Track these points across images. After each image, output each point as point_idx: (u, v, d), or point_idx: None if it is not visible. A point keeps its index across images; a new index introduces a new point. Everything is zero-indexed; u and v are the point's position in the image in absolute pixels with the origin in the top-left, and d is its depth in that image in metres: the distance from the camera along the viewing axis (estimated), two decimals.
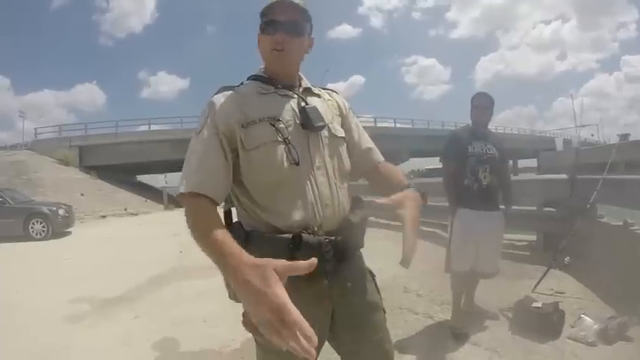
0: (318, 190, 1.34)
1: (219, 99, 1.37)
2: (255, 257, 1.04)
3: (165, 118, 44.76)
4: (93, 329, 4.11)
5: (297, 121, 1.36)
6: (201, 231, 1.17)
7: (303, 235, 1.26)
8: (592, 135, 51.92)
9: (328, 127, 1.43)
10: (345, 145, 1.51)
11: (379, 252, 6.04)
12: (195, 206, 1.24)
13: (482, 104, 3.62)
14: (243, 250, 1.06)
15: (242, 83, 1.46)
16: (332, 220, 1.34)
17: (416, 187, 1.38)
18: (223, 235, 1.12)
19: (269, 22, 1.39)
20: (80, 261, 8.03)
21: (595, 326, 3.21)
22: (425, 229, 7.80)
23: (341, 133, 1.49)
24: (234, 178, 1.34)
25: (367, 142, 1.63)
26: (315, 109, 1.39)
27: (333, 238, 1.31)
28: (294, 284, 1.04)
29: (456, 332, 3.42)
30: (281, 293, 0.91)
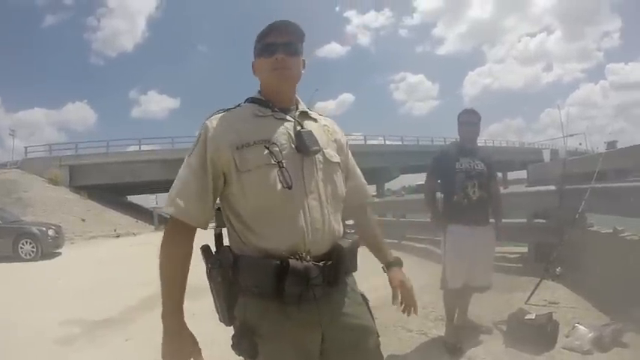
0: (310, 215, 1.34)
1: (213, 122, 1.39)
2: (245, 281, 1.30)
3: (156, 139, 45.32)
4: (83, 352, 4.05)
5: (292, 145, 1.37)
6: (162, 276, 1.34)
7: (290, 260, 1.26)
8: (580, 144, 52.49)
9: (323, 152, 1.43)
10: (340, 171, 1.52)
11: (374, 270, 6.10)
12: (168, 243, 1.35)
13: (470, 121, 3.67)
14: (184, 323, 1.34)
15: (239, 105, 1.48)
16: (322, 245, 1.35)
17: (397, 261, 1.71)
18: (174, 292, 1.34)
19: (267, 45, 1.42)
20: (70, 282, 7.93)
21: (589, 335, 3.22)
22: (416, 245, 7.85)
23: (336, 158, 1.50)
24: (226, 201, 1.38)
25: (359, 177, 1.70)
26: (310, 133, 1.40)
27: (322, 263, 1.32)
28: (283, 310, 1.28)
29: (450, 348, 3.43)
30: None
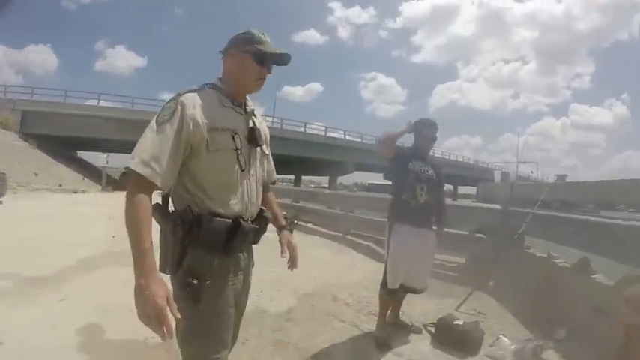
0: (250, 191, 1.77)
1: (188, 100, 1.60)
2: (203, 234, 1.60)
3: (117, 96, 43.13)
4: (16, 308, 3.90)
5: (245, 137, 1.74)
6: (136, 224, 1.44)
7: (241, 222, 1.68)
8: (531, 172, 54.59)
9: (261, 146, 1.85)
10: (266, 160, 1.97)
11: (317, 260, 6.22)
12: (139, 198, 1.47)
13: (429, 136, 3.78)
14: (156, 264, 1.45)
15: (204, 88, 1.73)
16: (254, 213, 1.81)
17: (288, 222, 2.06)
18: (149, 240, 1.42)
19: (262, 54, 1.72)
20: (8, 235, 7.50)
21: (512, 346, 3.39)
22: (360, 241, 7.99)
23: (267, 151, 1.95)
24: (188, 171, 1.64)
25: (271, 163, 2.08)
26: (258, 129, 1.80)
27: (256, 226, 1.77)
28: (223, 260, 1.69)
29: (379, 342, 3.51)
30: (163, 303, 1.32)
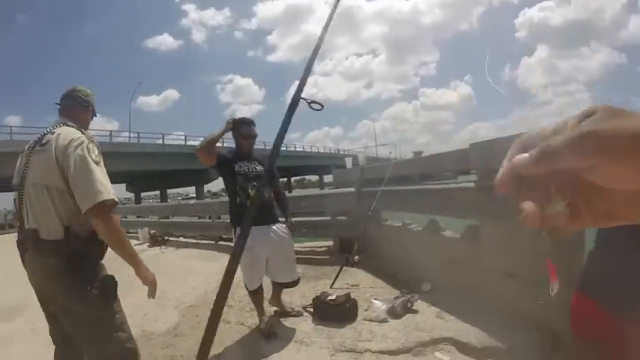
0: None
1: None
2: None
3: None
4: None
5: None
6: (123, 237, 2.06)
7: None
8: (390, 152, 58.11)
9: None
10: None
11: (193, 272, 6.19)
12: (117, 219, 1.99)
13: (247, 134, 3.82)
14: None
15: (88, 134, 2.15)
16: None
17: None
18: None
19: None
20: None
21: (383, 306, 3.74)
22: (232, 245, 8.06)
23: None
24: None
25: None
26: None
27: None
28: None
29: (265, 333, 3.61)
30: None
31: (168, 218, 11.20)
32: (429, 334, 3.30)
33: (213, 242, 8.75)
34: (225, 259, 7.42)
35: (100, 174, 1.95)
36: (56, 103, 2.30)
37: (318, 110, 2.60)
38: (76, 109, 2.29)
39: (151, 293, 2.20)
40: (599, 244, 1.76)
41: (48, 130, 2.13)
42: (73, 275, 1.93)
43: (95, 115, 2.45)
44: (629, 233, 1.72)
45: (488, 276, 3.45)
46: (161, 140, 37.06)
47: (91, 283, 1.98)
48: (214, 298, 4.76)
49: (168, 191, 49.38)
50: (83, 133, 2.09)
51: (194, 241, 9.27)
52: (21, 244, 2.12)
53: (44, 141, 2.06)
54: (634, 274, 1.66)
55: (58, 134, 2.05)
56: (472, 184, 3.89)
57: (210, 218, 9.66)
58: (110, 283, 2.05)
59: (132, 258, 2.07)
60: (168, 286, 5.11)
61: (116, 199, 1.97)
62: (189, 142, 38.70)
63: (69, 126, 2.14)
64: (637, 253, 1.56)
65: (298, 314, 3.98)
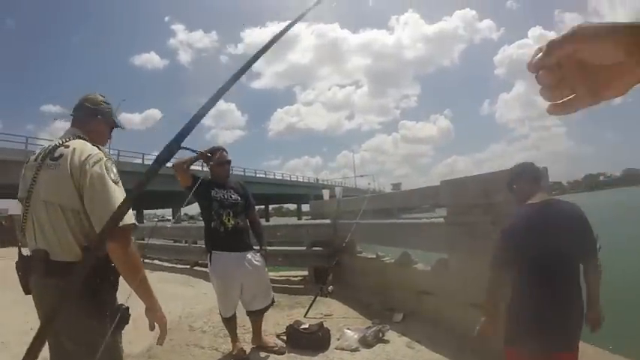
0: None
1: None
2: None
3: None
4: None
5: None
6: (140, 268, 1.85)
7: None
8: (369, 184, 58.53)
9: None
10: None
11: (169, 295, 6.18)
12: (133, 244, 1.80)
13: (220, 161, 3.84)
14: None
15: (103, 150, 1.99)
16: None
17: None
18: None
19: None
20: None
21: (355, 336, 3.84)
22: (207, 270, 8.06)
23: None
24: None
25: None
26: None
27: None
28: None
29: (238, 358, 3.67)
30: None
31: (143, 240, 11.12)
32: None
33: (188, 267, 8.73)
34: (201, 284, 7.50)
35: (120, 195, 1.80)
36: (71, 114, 2.14)
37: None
38: (85, 120, 2.10)
39: (162, 339, 1.95)
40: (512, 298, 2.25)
41: (60, 142, 1.92)
42: (87, 300, 1.68)
43: (116, 127, 2.28)
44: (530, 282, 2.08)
45: (456, 307, 3.61)
46: (141, 160, 36.74)
47: (108, 309, 1.80)
48: (189, 321, 4.88)
49: (145, 212, 48.64)
50: (100, 150, 1.93)
51: (169, 264, 9.21)
52: (22, 264, 1.92)
53: (57, 155, 1.85)
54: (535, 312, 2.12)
55: (74, 149, 1.85)
56: (442, 220, 4.06)
57: (186, 242, 9.60)
58: (124, 314, 1.81)
59: (147, 292, 1.86)
60: (143, 308, 5.03)
61: (136, 223, 1.83)
62: (169, 164, 38.27)
63: (82, 139, 1.96)
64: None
65: (280, 351, 3.86)
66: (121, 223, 1.62)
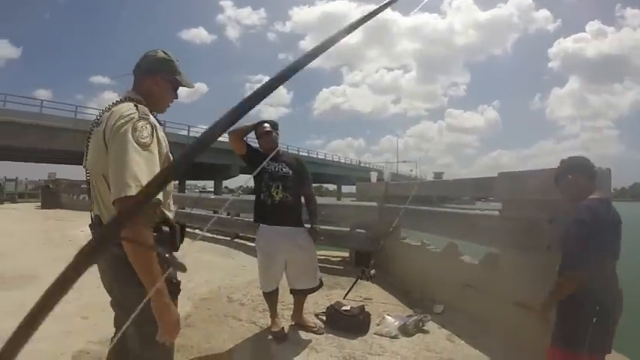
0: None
1: (152, 121, 1.72)
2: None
3: None
4: None
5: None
6: (152, 264, 1.55)
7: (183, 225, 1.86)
8: (411, 170, 57.97)
9: None
10: None
11: (208, 265, 6.29)
12: (146, 230, 1.59)
13: (264, 130, 3.76)
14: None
15: (141, 104, 1.79)
16: None
17: None
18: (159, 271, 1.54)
19: (180, 86, 2.01)
20: None
21: (396, 323, 3.78)
22: (248, 243, 8.14)
23: None
24: None
25: None
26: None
27: None
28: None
29: (276, 335, 3.64)
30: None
31: (183, 209, 11.32)
32: (438, 355, 3.35)
33: (229, 239, 8.89)
34: (240, 256, 7.59)
35: (140, 161, 1.57)
36: (128, 74, 1.97)
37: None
38: (138, 77, 1.93)
39: (170, 336, 1.68)
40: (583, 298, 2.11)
41: (107, 107, 1.83)
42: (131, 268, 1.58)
43: (181, 85, 2.00)
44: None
45: (501, 305, 3.48)
46: (186, 132, 37.41)
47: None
48: (228, 292, 4.93)
49: (187, 182, 49.82)
50: (138, 109, 1.71)
51: (210, 235, 9.36)
52: (92, 229, 1.87)
53: (100, 120, 1.77)
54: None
55: (112, 112, 1.73)
56: (496, 213, 3.92)
57: (229, 215, 9.72)
58: (175, 282, 1.75)
59: (151, 277, 1.54)
60: (181, 276, 5.10)
61: (160, 199, 1.67)
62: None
63: (130, 100, 1.81)
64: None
65: (319, 332, 3.80)
66: (124, 193, 1.52)
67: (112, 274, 1.80)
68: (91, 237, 1.84)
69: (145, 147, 1.61)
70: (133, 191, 1.50)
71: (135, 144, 1.59)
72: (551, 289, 2.30)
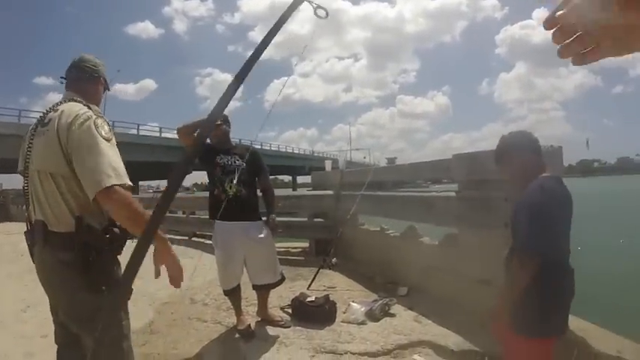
0: None
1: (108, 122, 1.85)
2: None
3: None
4: None
5: None
6: (143, 213, 1.67)
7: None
8: (364, 157, 58.46)
9: None
10: None
11: (165, 268, 6.11)
12: (132, 196, 1.71)
13: (225, 131, 3.74)
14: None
15: (95, 109, 1.92)
16: None
17: None
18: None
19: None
20: None
21: (362, 309, 3.80)
22: (206, 241, 8.00)
23: None
24: None
25: None
26: None
27: None
28: None
29: (243, 333, 3.57)
30: None
31: None
32: (407, 337, 3.38)
33: (186, 238, 8.69)
34: (199, 256, 7.40)
35: (111, 153, 1.69)
36: (61, 77, 2.02)
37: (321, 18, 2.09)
38: (84, 80, 1.99)
39: (176, 282, 1.80)
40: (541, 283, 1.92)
41: (51, 107, 1.86)
42: (84, 272, 1.68)
43: (108, 89, 2.18)
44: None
45: (464, 282, 3.57)
46: (135, 130, 36.23)
47: (105, 283, 1.73)
48: (190, 294, 4.81)
49: (140, 183, 48.52)
50: (90, 108, 1.82)
51: (168, 235, 9.15)
52: (29, 235, 1.89)
53: (46, 120, 1.80)
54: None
55: (62, 111, 1.77)
56: (453, 194, 3.98)
57: (183, 213, 9.50)
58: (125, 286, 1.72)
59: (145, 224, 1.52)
60: (140, 281, 4.96)
61: (129, 183, 1.70)
62: (164, 134, 37.59)
63: (76, 101, 1.87)
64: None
65: (286, 325, 3.74)
66: (107, 183, 1.62)
67: (58, 281, 1.79)
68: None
69: (110, 140, 1.73)
70: (114, 180, 1.63)
71: (102, 140, 1.69)
72: (507, 276, 2.10)
